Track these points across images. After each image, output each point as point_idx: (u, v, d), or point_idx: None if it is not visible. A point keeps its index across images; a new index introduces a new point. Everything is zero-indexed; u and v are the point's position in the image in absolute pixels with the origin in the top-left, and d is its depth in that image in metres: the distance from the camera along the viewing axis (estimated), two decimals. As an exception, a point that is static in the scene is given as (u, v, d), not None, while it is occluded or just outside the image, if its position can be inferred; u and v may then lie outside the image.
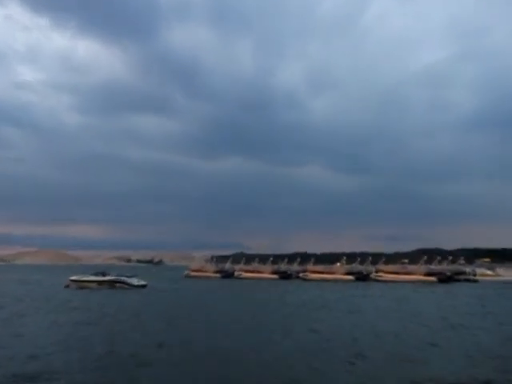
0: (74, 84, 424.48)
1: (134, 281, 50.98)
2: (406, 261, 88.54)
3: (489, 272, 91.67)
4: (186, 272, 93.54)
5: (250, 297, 41.95)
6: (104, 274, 51.64)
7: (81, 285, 50.14)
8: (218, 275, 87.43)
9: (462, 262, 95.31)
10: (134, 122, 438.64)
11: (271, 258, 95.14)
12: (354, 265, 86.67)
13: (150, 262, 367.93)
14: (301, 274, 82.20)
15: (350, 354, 15.48)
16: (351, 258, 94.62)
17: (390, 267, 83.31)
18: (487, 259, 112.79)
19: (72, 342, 17.15)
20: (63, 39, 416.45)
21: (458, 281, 76.53)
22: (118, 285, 49.34)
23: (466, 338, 19.49)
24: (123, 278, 50.78)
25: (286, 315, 26.40)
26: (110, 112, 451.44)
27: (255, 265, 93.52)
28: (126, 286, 49.12)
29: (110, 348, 16.10)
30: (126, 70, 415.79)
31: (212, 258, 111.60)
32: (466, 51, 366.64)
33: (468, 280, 79.97)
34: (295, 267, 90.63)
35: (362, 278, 77.73)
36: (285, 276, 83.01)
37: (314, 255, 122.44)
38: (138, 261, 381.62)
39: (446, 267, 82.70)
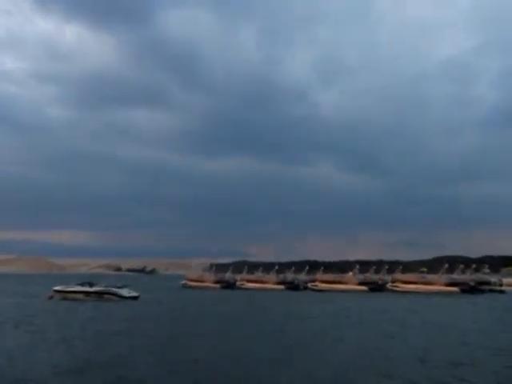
0: (59, 74, 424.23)
1: (125, 292, 50.52)
2: (426, 269, 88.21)
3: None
4: (183, 282, 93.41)
5: (255, 309, 41.43)
6: (91, 285, 51.27)
7: (66, 296, 49.75)
8: (217, 285, 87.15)
9: (487, 270, 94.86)
10: (125, 117, 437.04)
11: (276, 267, 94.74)
12: (368, 274, 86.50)
13: (141, 270, 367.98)
14: (309, 284, 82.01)
15: (379, 375, 14.85)
16: (365, 266, 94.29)
17: (408, 276, 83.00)
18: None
19: (68, 364, 16.33)
20: (48, 24, 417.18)
21: (483, 291, 76.05)
22: (106, 296, 48.94)
23: (498, 354, 18.90)
24: (113, 289, 50.35)
25: (298, 334, 25.81)
26: (98, 105, 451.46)
27: (259, 274, 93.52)
28: (116, 298, 48.62)
29: (117, 372, 15.43)
30: (117, 59, 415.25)
31: (211, 266, 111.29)
32: (492, 42, 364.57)
33: (493, 290, 79.57)
34: (303, 277, 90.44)
35: (376, 288, 77.41)
36: (291, 286, 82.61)
37: (324, 263, 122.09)
38: (129, 270, 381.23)
39: (469, 276, 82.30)
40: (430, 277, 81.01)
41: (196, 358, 17.37)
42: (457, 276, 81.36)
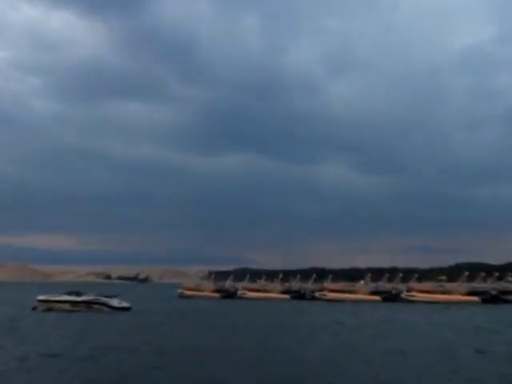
0: (46, 64, 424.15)
1: (115, 302, 50.28)
2: (444, 278, 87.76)
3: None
4: (179, 291, 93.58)
5: (259, 324, 40.96)
6: (79, 294, 51.03)
7: (51, 306, 49.54)
8: (217, 295, 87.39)
9: (511, 279, 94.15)
10: (117, 111, 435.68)
11: (281, 275, 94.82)
12: (380, 282, 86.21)
13: (134, 279, 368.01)
14: (316, 294, 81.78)
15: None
16: (377, 274, 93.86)
17: (424, 285, 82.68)
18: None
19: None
20: (34, 11, 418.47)
21: (507, 301, 75.40)
22: (95, 306, 48.71)
23: None
24: (102, 299, 50.08)
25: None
26: (88, 98, 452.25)
27: (262, 282, 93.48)
28: (106, 309, 48.37)
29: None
30: (109, 49, 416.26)
31: (210, 274, 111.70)
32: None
33: (517, 301, 78.84)
34: (310, 285, 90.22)
35: (390, 298, 77.23)
36: (297, 296, 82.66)
37: (333, 271, 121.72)
38: (120, 278, 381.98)
39: (490, 285, 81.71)
40: (449, 285, 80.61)
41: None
42: (478, 285, 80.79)
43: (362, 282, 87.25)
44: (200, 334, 30.88)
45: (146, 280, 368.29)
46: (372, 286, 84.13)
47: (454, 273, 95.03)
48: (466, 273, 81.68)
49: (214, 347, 24.15)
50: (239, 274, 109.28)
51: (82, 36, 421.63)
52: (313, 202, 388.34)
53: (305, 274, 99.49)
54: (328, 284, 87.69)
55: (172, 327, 35.36)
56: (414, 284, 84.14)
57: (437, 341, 27.86)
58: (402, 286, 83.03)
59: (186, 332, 32.17)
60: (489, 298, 73.94)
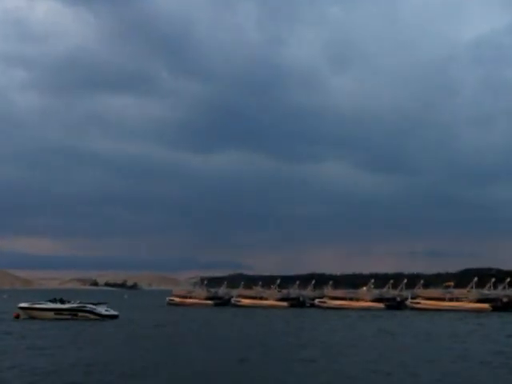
0: (29, 56, 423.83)
1: (102, 310, 50.95)
2: (452, 284, 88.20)
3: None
4: (169, 298, 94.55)
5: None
6: (63, 301, 51.57)
7: (33, 314, 50.18)
8: (209, 302, 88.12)
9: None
10: (105, 105, 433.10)
11: (278, 281, 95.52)
12: (384, 289, 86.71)
13: (121, 285, 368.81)
14: (316, 301, 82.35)
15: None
16: (381, 280, 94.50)
17: (431, 292, 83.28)
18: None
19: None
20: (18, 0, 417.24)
21: (519, 309, 75.90)
22: (81, 314, 49.35)
23: None
24: (88, 306, 50.77)
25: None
26: (74, 91, 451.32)
27: (258, 289, 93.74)
28: (92, 317, 49.08)
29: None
30: (97, 39, 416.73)
31: (202, 280, 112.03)
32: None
33: (531, 308, 79.25)
34: (309, 292, 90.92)
35: (394, 305, 77.71)
36: (296, 303, 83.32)
37: (334, 277, 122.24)
38: (107, 284, 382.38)
39: (502, 292, 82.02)
40: (457, 292, 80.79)
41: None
42: (488, 291, 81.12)
43: (364, 288, 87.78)
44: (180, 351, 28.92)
45: (134, 287, 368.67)
46: (375, 292, 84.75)
47: (462, 278, 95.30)
48: (475, 278, 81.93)
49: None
50: (234, 281, 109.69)
51: (67, 25, 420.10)
52: (313, 204, 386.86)
53: (304, 280, 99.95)
54: (328, 291, 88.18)
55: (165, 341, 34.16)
56: (419, 290, 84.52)
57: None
58: (406, 293, 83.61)
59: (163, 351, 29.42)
60: (500, 306, 73.93)
